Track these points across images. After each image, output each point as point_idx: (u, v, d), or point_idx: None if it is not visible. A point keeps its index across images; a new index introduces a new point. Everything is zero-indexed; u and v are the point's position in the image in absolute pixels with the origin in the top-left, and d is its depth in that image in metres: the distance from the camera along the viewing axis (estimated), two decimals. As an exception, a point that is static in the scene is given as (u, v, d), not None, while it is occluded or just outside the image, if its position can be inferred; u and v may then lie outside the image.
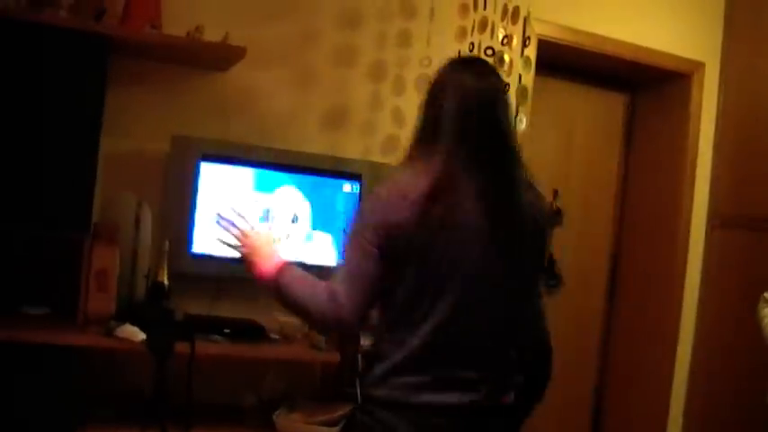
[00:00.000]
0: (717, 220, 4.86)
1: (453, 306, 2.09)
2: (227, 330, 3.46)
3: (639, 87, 5.29)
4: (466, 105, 2.16)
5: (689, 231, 4.87)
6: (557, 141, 5.13)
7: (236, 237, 2.50)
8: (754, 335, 3.58)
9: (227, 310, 3.68)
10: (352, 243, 2.15)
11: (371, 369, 2.18)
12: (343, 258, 2.19)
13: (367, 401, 2.17)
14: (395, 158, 3.44)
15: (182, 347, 3.22)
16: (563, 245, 4.77)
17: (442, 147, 2.14)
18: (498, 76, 2.33)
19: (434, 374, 2.10)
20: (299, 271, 2.27)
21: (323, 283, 2.16)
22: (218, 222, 2.57)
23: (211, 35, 3.54)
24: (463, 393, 2.11)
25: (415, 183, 2.09)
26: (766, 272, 3.72)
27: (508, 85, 2.25)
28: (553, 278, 4.88)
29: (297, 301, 2.20)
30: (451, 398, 2.10)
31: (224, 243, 2.55)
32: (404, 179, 2.15)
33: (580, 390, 5.25)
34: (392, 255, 2.09)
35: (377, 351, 2.19)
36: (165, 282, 3.36)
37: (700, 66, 4.97)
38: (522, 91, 3.79)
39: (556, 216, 4.47)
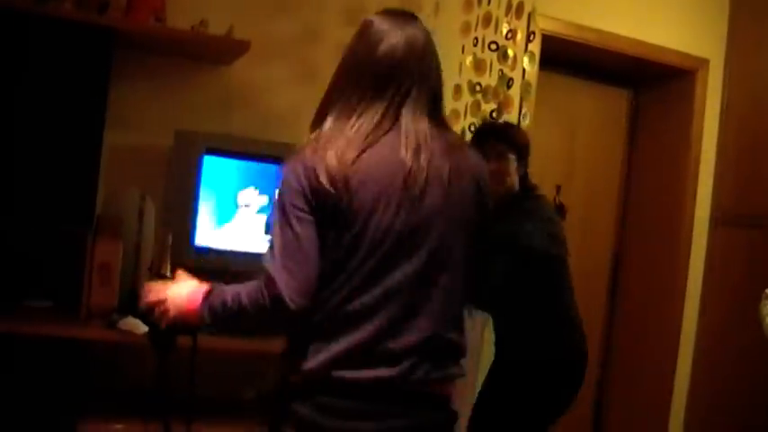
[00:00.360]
0: (720, 218, 4.85)
1: (377, 272, 1.88)
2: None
3: (643, 84, 5.29)
4: (386, 54, 1.97)
5: (692, 228, 4.86)
6: (560, 137, 5.12)
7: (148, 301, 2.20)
8: (756, 332, 3.58)
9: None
10: (280, 216, 1.91)
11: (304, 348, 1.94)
12: (272, 235, 1.93)
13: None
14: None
15: (184, 341, 3.21)
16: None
17: (362, 100, 1.96)
18: (420, 24, 2.08)
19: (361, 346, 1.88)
20: (228, 286, 2.00)
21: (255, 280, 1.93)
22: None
23: (216, 29, 3.54)
24: (389, 368, 1.87)
25: (336, 142, 1.91)
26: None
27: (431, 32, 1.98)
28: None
29: (232, 309, 1.92)
30: (376, 373, 1.86)
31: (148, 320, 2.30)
32: (323, 138, 1.94)
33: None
34: (319, 221, 1.89)
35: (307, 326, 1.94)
36: (168, 275, 3.35)
37: (704, 63, 4.96)
38: (525, 86, 3.78)
39: (559, 212, 4.46)
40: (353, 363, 1.85)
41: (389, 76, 1.96)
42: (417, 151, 1.90)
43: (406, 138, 1.91)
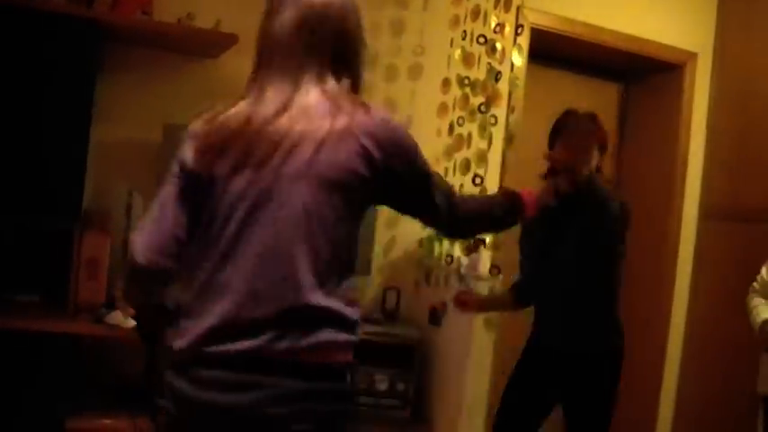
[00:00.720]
0: (709, 211, 4.86)
1: (234, 242, 1.84)
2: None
3: (633, 77, 5.28)
4: (273, 28, 1.98)
5: (681, 222, 4.86)
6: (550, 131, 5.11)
7: None
8: (744, 325, 3.59)
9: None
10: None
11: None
12: None
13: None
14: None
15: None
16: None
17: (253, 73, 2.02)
18: None
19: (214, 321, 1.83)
20: None
21: None
22: None
23: (203, 22, 3.53)
24: (253, 339, 1.80)
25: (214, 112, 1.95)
26: (757, 262, 3.71)
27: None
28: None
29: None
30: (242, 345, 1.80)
31: None
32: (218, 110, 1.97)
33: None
34: (190, 191, 1.90)
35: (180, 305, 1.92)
36: (156, 269, 3.34)
37: (693, 56, 4.97)
38: (513, 80, 3.78)
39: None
40: (220, 337, 1.79)
41: (269, 48, 1.97)
42: (277, 115, 1.85)
43: (270, 104, 1.88)
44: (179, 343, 1.84)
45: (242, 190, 1.84)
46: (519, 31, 3.82)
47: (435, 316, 3.90)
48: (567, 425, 3.33)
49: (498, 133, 3.79)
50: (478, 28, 3.84)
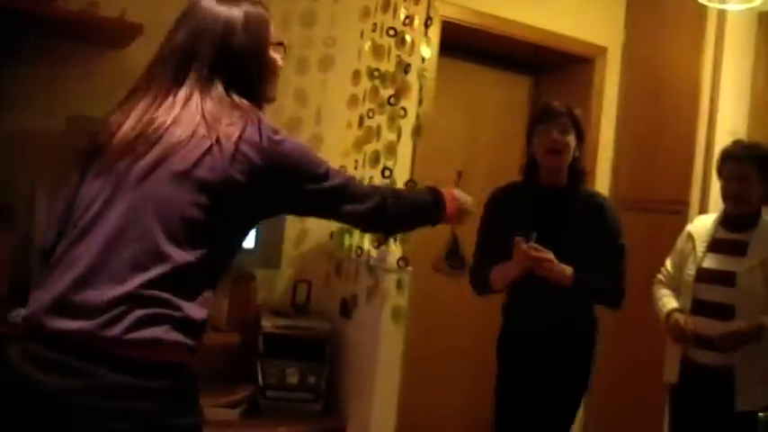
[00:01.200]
0: (618, 202, 4.93)
1: (89, 223, 1.88)
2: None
3: (544, 71, 5.35)
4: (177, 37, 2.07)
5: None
6: (462, 123, 5.15)
7: None
8: (652, 314, 3.65)
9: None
10: None
11: None
12: None
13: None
14: (296, 138, 3.41)
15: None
16: (467, 227, 4.82)
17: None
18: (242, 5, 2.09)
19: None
20: None
21: None
22: None
23: (107, 11, 3.46)
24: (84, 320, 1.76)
25: None
26: (664, 253, 3.79)
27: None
28: (456, 260, 4.91)
29: None
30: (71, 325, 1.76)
31: None
32: None
33: (489, 364, 5.31)
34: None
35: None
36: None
37: (602, 50, 5.05)
38: (422, 72, 3.78)
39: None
40: (54, 313, 1.77)
41: (166, 53, 2.06)
42: (140, 118, 1.93)
43: (146, 108, 1.96)
44: (23, 312, 1.85)
45: (107, 181, 1.90)
46: (428, 23, 3.82)
47: (346, 308, 3.90)
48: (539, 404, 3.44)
49: (407, 125, 3.79)
50: (388, 20, 3.84)
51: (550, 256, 3.20)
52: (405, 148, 3.85)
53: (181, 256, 1.83)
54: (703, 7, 4.30)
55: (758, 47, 4.65)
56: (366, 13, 3.92)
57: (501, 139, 5.29)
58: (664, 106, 4.77)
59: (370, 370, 3.69)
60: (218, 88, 1.98)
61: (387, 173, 3.69)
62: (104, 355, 1.73)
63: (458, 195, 2.52)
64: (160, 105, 1.95)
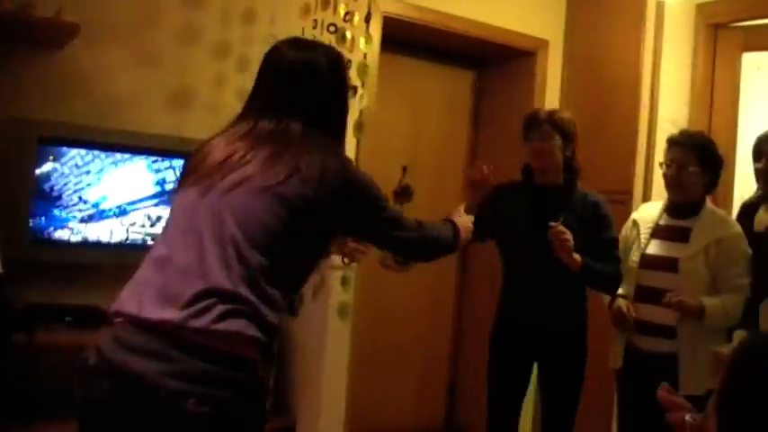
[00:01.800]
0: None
1: (183, 226, 2.12)
2: (68, 318, 3.37)
3: (486, 64, 5.38)
4: (262, 77, 2.33)
5: (536, 204, 4.95)
6: (406, 118, 5.16)
7: None
8: (598, 303, 3.69)
9: (76, 296, 3.56)
10: None
11: None
12: None
13: None
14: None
15: (21, 337, 3.13)
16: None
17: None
18: (319, 50, 2.38)
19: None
20: None
21: None
22: None
23: (44, 11, 3.41)
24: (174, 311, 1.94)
25: None
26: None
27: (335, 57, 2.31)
28: (402, 255, 4.94)
29: None
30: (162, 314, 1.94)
31: None
32: None
33: (438, 357, 5.34)
34: None
35: None
36: (0, 270, 3.24)
37: (544, 43, 5.09)
38: (363, 68, 3.78)
39: (405, 193, 4.48)
40: (147, 304, 1.95)
41: (256, 94, 2.31)
42: (240, 142, 2.17)
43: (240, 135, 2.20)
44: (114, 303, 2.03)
45: (197, 193, 2.11)
46: (368, 18, 3.82)
47: (292, 306, 3.89)
48: (543, 397, 3.70)
49: (349, 121, 3.78)
50: (329, 16, 3.83)
51: (569, 238, 3.39)
52: (348, 144, 3.82)
53: (258, 260, 2.00)
54: (642, -2, 4.36)
55: (697, 36, 4.71)
56: (306, 9, 3.90)
57: (445, 133, 5.32)
58: (605, 97, 4.82)
59: (318, 367, 3.69)
60: (300, 124, 2.20)
61: (330, 169, 3.68)
62: (191, 343, 1.89)
63: (466, 223, 2.78)
64: (249, 135, 2.19)
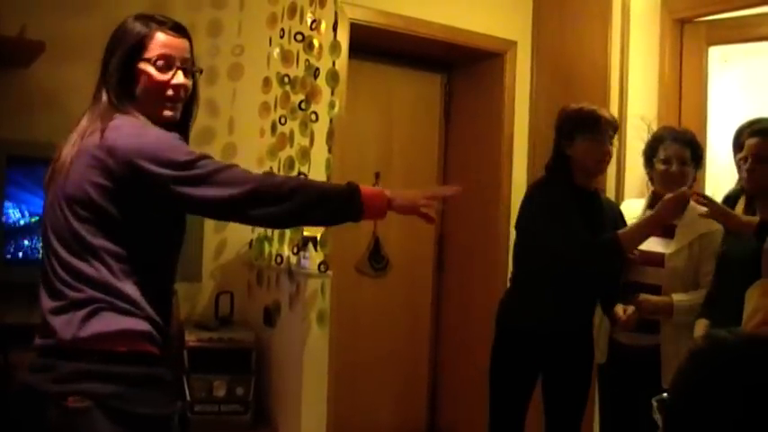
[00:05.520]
0: (535, 194, 4.98)
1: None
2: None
3: (455, 68, 5.39)
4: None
5: (510, 206, 4.96)
6: (376, 125, 5.15)
7: None
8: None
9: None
10: None
11: None
12: None
13: None
14: (209, 149, 3.38)
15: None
16: (388, 227, 4.84)
17: None
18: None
19: None
20: None
21: None
22: None
23: (7, 28, 3.38)
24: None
25: None
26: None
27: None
28: (380, 261, 4.94)
29: None
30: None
31: None
32: None
33: (417, 366, 5.33)
34: None
35: None
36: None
37: (512, 45, 5.10)
38: (332, 75, 3.77)
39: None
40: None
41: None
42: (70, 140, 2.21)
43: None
44: None
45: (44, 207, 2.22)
46: (336, 26, 3.82)
47: (269, 317, 3.88)
48: (549, 404, 3.60)
49: (320, 130, 3.78)
50: (296, 25, 3.83)
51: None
52: (319, 152, 3.82)
53: (63, 261, 2.15)
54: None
55: (663, 32, 4.73)
56: (273, 19, 3.91)
57: (416, 137, 5.32)
58: (575, 95, 4.79)
59: (297, 377, 3.67)
60: (103, 98, 2.25)
61: (302, 177, 3.68)
62: (67, 351, 2.08)
63: (394, 191, 2.28)
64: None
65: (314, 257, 3.69)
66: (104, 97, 2.22)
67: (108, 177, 2.07)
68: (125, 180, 2.07)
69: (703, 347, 1.35)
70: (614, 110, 4.61)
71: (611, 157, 3.54)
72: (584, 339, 3.58)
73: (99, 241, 2.09)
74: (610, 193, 4.54)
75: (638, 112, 4.60)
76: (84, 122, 2.20)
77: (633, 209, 3.77)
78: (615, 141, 3.60)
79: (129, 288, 2.11)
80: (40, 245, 3.46)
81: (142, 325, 2.12)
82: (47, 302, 2.13)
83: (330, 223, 2.63)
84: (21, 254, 3.45)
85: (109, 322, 2.06)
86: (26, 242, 3.46)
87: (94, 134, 2.12)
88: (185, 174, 2.07)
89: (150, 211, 2.16)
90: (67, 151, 2.15)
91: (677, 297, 3.44)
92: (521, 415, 3.55)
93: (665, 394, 1.44)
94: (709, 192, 4.30)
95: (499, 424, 3.58)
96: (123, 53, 2.25)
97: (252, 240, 3.98)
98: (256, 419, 3.81)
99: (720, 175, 4.06)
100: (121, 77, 2.24)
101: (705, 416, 1.25)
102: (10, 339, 3.25)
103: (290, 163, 3.72)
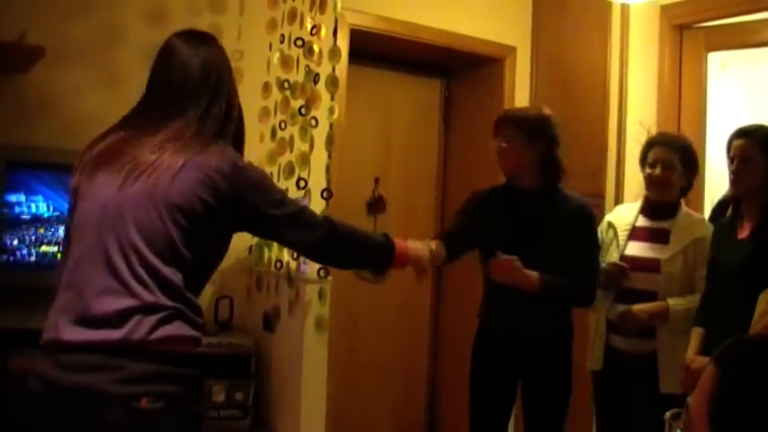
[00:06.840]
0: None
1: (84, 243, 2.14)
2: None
3: (455, 73, 5.40)
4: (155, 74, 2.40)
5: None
6: (376, 130, 5.16)
7: None
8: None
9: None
10: None
11: None
12: None
13: None
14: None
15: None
16: (388, 231, 4.83)
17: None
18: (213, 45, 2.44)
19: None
20: None
21: None
22: None
23: (6, 34, 3.39)
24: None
25: None
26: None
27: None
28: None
29: None
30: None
31: None
32: None
33: (416, 371, 5.33)
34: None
35: None
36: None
37: (511, 50, 5.11)
38: (332, 80, 3.77)
39: (378, 204, 4.50)
40: (65, 328, 2.03)
41: (151, 91, 2.38)
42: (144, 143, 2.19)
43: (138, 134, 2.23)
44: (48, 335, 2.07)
45: (98, 205, 2.13)
46: (336, 32, 3.82)
47: (269, 322, 3.88)
48: (527, 412, 3.52)
49: (320, 135, 3.79)
50: (296, 31, 3.83)
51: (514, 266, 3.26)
52: (319, 157, 3.82)
53: (165, 269, 2.12)
54: (607, 2, 4.37)
55: (662, 38, 4.74)
56: (273, 24, 3.90)
57: (416, 143, 5.33)
58: (574, 101, 4.84)
59: (296, 382, 3.67)
60: (195, 119, 2.25)
61: (302, 183, 3.68)
62: (133, 351, 2.02)
63: (412, 248, 2.70)
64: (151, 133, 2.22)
65: (313, 263, 3.69)
66: (202, 125, 2.25)
67: (216, 198, 2.14)
68: (228, 204, 2.16)
69: (742, 344, 1.35)
70: (614, 115, 4.63)
71: (500, 153, 3.56)
72: (562, 347, 3.49)
73: (187, 252, 2.12)
74: (609, 198, 4.55)
75: (638, 117, 4.60)
76: (167, 132, 2.20)
77: (624, 215, 3.76)
78: (521, 137, 3.50)
79: (195, 299, 2.18)
80: (44, 248, 3.48)
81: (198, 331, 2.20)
82: (109, 299, 2.04)
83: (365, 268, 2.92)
84: (12, 258, 3.46)
85: (179, 327, 2.08)
86: (24, 247, 3.46)
87: (205, 154, 2.16)
88: (283, 212, 2.28)
89: (231, 232, 2.30)
90: (165, 158, 2.14)
91: (672, 301, 3.44)
92: (499, 423, 3.54)
93: (676, 409, 1.44)
94: (707, 198, 4.32)
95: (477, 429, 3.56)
96: (231, 80, 2.44)
97: (251, 246, 3.97)
98: (255, 425, 3.82)
99: (719, 180, 4.06)
100: (227, 109, 2.37)
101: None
102: (8, 344, 3.26)
103: (290, 168, 3.72)
